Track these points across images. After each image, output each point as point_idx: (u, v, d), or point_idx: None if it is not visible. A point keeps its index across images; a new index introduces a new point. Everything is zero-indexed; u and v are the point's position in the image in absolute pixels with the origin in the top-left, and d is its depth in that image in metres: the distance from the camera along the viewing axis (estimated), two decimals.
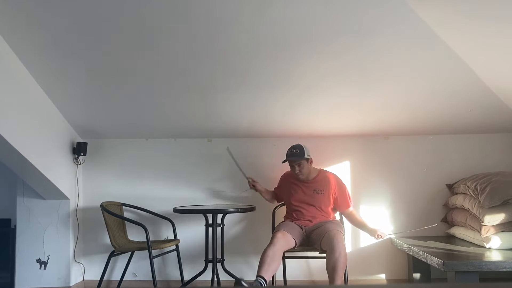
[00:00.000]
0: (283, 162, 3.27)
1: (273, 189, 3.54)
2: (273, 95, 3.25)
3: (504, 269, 2.58)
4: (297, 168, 3.23)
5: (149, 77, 3.10)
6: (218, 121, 3.59)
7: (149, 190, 3.78)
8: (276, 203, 3.57)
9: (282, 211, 3.48)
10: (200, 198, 3.75)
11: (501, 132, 3.67)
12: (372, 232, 3.19)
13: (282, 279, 3.47)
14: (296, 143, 3.28)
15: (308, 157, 3.24)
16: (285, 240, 2.96)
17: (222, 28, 2.60)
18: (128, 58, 2.90)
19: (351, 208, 3.33)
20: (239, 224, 3.72)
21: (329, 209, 3.28)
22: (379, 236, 3.15)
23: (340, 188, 3.32)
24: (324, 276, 2.88)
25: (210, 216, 3.40)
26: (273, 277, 3.00)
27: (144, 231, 3.16)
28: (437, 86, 3.10)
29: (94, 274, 3.68)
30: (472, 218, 3.14)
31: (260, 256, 2.83)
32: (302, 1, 2.38)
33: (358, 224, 3.32)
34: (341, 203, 3.30)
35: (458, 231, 3.37)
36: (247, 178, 3.43)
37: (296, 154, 3.20)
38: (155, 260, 3.29)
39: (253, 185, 3.42)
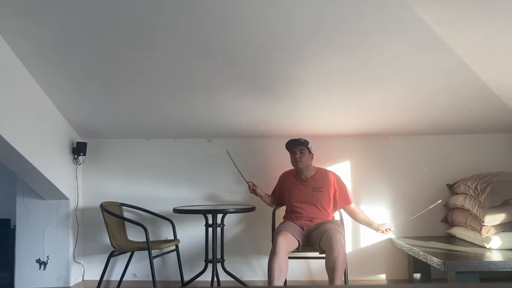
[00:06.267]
0: (287, 144, 3.30)
1: (271, 193, 3.51)
2: (273, 95, 3.25)
3: (505, 269, 2.57)
4: (298, 154, 3.25)
5: (149, 77, 3.09)
6: (218, 121, 3.59)
7: (149, 190, 3.77)
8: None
9: (282, 211, 3.46)
10: (200, 198, 3.75)
11: (501, 132, 3.67)
12: (380, 227, 3.22)
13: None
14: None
15: (310, 149, 3.29)
16: (287, 242, 2.92)
17: (223, 28, 2.60)
18: (128, 58, 2.90)
19: (353, 205, 3.32)
20: (239, 224, 3.72)
21: (330, 208, 3.26)
22: (387, 230, 3.20)
23: (339, 184, 3.32)
24: (324, 277, 2.87)
25: (210, 216, 3.39)
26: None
27: (144, 231, 3.15)
28: (437, 86, 3.10)
29: (93, 274, 3.67)
30: (473, 218, 3.14)
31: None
32: (302, 1, 2.38)
33: (363, 221, 3.32)
34: (342, 199, 3.29)
35: (458, 231, 3.37)
36: (247, 182, 3.39)
37: (300, 141, 3.26)
38: (155, 261, 3.28)
39: (253, 190, 3.38)
